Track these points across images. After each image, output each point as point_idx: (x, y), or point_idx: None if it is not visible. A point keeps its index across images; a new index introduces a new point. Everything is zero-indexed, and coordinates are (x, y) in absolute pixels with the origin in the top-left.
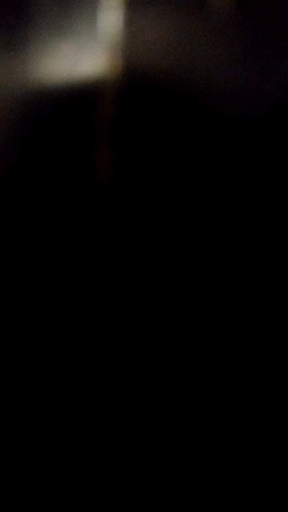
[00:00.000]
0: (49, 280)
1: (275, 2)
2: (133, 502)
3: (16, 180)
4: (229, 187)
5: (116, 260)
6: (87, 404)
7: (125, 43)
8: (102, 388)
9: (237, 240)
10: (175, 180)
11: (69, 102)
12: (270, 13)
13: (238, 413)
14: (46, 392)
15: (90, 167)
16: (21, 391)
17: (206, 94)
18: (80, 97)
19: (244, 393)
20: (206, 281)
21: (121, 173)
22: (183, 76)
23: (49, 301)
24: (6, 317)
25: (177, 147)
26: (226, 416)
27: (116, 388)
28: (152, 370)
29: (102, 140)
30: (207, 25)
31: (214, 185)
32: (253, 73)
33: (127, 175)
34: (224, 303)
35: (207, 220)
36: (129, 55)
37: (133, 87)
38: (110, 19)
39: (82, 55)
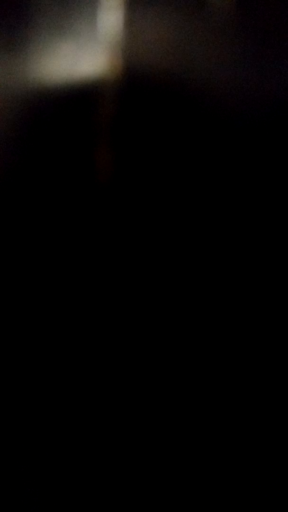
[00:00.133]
0: (49, 280)
1: (275, 2)
2: (133, 502)
3: (16, 180)
4: (229, 187)
5: (116, 260)
6: (87, 403)
7: (125, 43)
8: (102, 387)
9: (237, 239)
10: (175, 180)
11: (69, 102)
12: (270, 13)
13: (238, 412)
14: (46, 392)
15: (90, 167)
16: (21, 391)
17: (206, 94)
18: (80, 97)
19: (244, 393)
20: (206, 280)
21: (121, 173)
22: (183, 76)
23: (49, 301)
24: (6, 317)
25: (177, 147)
26: (226, 416)
27: (116, 388)
28: (152, 370)
29: (102, 140)
30: (207, 25)
31: (214, 185)
32: (253, 73)
33: (127, 175)
34: (224, 303)
35: (207, 220)
36: (129, 55)
37: (133, 87)
38: (110, 19)
39: (82, 55)
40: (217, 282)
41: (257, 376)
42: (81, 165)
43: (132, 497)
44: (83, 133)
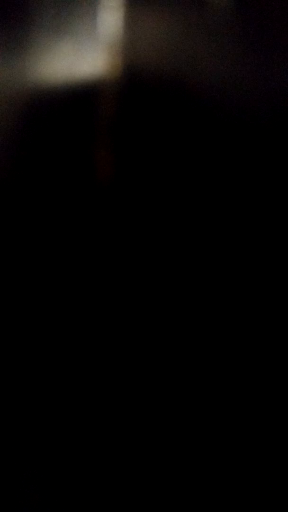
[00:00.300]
0: (49, 280)
1: (275, 2)
2: (133, 502)
3: (16, 180)
4: (230, 187)
5: (116, 260)
6: (87, 403)
7: (125, 43)
8: (102, 387)
9: (237, 238)
10: (175, 180)
11: (69, 102)
12: (270, 13)
13: (238, 412)
14: (46, 392)
15: (90, 167)
16: (21, 391)
17: (206, 94)
18: (80, 97)
19: (244, 393)
20: (206, 280)
21: (121, 173)
22: (183, 75)
23: (49, 301)
24: (6, 316)
25: (177, 147)
26: (226, 416)
27: (116, 388)
28: (152, 370)
29: (102, 140)
30: (207, 25)
31: (215, 185)
32: (253, 73)
33: (127, 175)
34: (224, 303)
35: (207, 220)
36: (129, 55)
37: (133, 87)
38: (110, 19)
39: (82, 55)
40: (217, 281)
41: (257, 376)
42: (81, 165)
43: (132, 497)
44: (83, 133)
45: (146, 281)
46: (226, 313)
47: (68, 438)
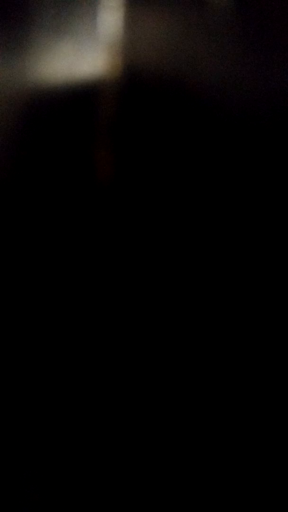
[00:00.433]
0: (49, 280)
1: (275, 2)
2: (133, 502)
3: (16, 180)
4: (230, 186)
5: (116, 260)
6: (87, 403)
7: (125, 43)
8: (102, 387)
9: (237, 238)
10: (175, 180)
11: (69, 102)
12: (270, 13)
13: (238, 412)
14: (46, 392)
15: (90, 167)
16: (21, 391)
17: (206, 94)
18: (80, 97)
19: (244, 393)
20: (206, 280)
21: (121, 173)
22: (183, 75)
23: (49, 301)
24: (6, 316)
25: (177, 147)
26: (226, 416)
27: (116, 388)
28: (152, 370)
29: (102, 140)
30: (207, 25)
31: (215, 184)
32: (253, 73)
33: (127, 175)
34: (224, 303)
35: (207, 219)
36: (129, 55)
37: (133, 87)
38: (110, 19)
39: (82, 55)
40: (217, 281)
41: (257, 376)
42: (81, 165)
43: (132, 497)
44: (83, 133)
45: (146, 281)
46: (226, 313)
47: (68, 438)
